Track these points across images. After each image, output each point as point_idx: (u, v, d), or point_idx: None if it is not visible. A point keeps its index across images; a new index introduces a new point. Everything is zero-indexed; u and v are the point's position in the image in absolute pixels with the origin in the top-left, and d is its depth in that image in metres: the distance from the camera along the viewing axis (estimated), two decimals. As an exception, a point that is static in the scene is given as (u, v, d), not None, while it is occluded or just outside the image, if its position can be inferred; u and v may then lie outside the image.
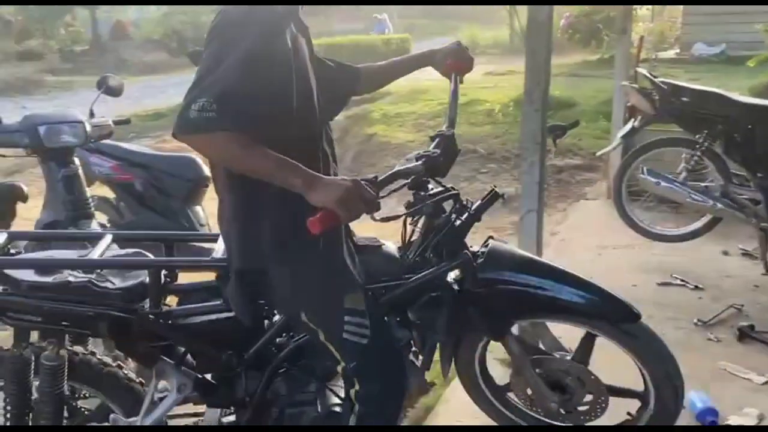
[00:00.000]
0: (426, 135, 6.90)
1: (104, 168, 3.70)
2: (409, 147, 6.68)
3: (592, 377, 1.91)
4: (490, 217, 4.97)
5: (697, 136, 3.64)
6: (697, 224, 3.92)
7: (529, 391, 1.94)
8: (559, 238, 4.33)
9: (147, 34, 22.21)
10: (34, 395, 1.76)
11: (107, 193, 3.84)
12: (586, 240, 4.24)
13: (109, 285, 1.69)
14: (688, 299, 3.34)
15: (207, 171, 3.85)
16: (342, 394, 1.73)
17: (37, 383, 1.75)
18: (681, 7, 12.75)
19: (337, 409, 1.74)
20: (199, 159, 3.89)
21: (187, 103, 1.37)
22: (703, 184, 3.72)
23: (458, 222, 1.73)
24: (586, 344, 1.91)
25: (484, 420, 2.11)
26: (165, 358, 1.77)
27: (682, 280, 3.53)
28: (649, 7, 12.62)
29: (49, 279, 1.66)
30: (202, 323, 1.74)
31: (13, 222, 3.26)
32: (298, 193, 1.39)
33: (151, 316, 1.71)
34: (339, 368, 1.63)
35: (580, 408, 1.93)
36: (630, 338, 1.86)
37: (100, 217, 3.33)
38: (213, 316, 1.74)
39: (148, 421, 1.75)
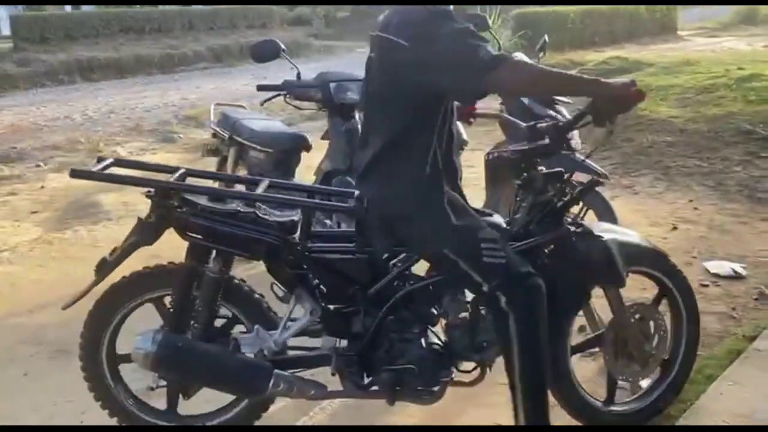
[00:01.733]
0: (692, 111, 6.32)
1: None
2: (672, 123, 6.16)
3: (664, 326, 2.26)
4: (765, 207, 4.43)
5: None
6: None
7: (626, 342, 2.20)
8: None
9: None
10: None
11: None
12: None
13: (268, 218, 1.94)
14: None
15: (464, 135, 3.95)
16: (438, 339, 2.06)
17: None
18: None
19: (436, 347, 2.04)
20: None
21: (472, 57, 1.72)
22: None
23: (560, 203, 2.08)
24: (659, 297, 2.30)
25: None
26: (303, 286, 2.01)
27: None
28: None
29: (221, 206, 1.92)
30: (337, 260, 2.01)
31: (297, 167, 3.68)
32: (437, 148, 1.89)
33: (298, 247, 1.97)
34: (485, 288, 1.88)
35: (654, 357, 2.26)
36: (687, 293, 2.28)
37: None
38: (347, 255, 2.01)
39: (285, 335, 2.02)
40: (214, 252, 1.98)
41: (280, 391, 2.01)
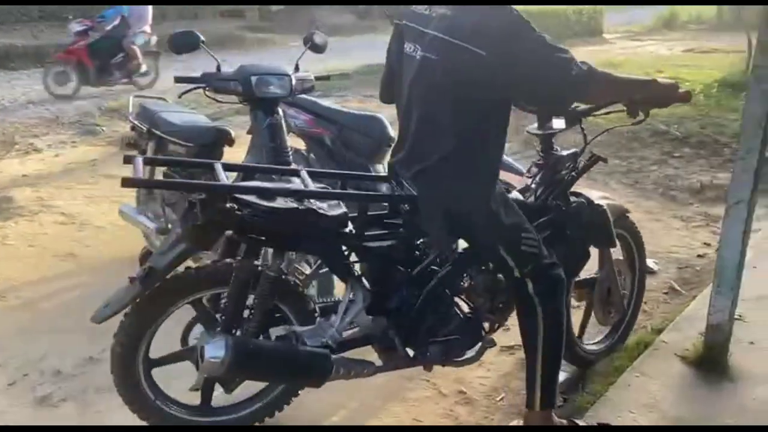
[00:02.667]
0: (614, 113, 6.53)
1: (299, 121, 3.92)
2: (594, 123, 6.34)
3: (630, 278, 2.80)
4: (678, 205, 4.64)
5: None
6: None
7: (609, 291, 2.63)
8: (761, 236, 3.91)
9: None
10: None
11: (299, 144, 4.08)
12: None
13: (325, 212, 1.96)
14: None
15: (392, 131, 3.96)
16: (468, 307, 2.28)
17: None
18: None
19: (469, 314, 2.26)
20: (385, 119, 4.01)
21: (565, 72, 1.82)
22: None
23: (570, 179, 2.36)
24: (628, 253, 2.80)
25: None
26: (355, 275, 2.13)
27: None
28: None
29: (281, 205, 1.92)
30: (386, 247, 2.14)
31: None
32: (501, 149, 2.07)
33: (353, 239, 2.07)
34: (516, 273, 2.06)
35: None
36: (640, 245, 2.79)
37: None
38: (394, 241, 2.14)
39: (344, 323, 2.12)
40: (266, 250, 2.04)
41: (341, 375, 2.10)
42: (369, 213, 2.15)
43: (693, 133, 5.85)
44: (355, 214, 2.08)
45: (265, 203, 1.89)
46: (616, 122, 2.64)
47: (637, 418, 2.26)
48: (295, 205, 1.93)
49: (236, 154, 3.38)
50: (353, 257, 2.14)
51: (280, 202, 1.92)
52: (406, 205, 2.12)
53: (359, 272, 2.16)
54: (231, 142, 3.46)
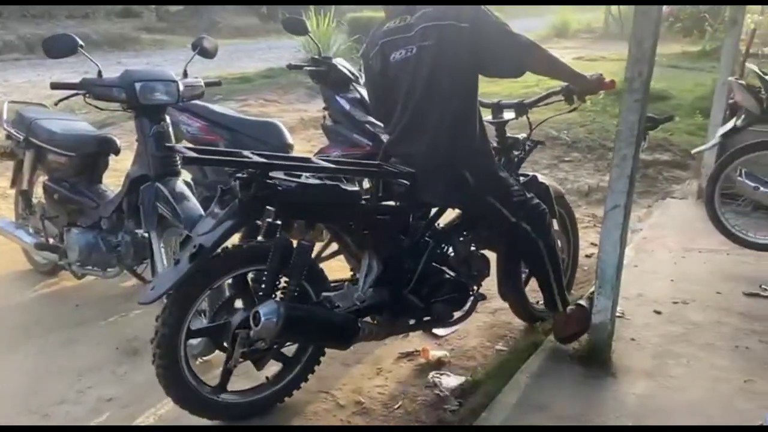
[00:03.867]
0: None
1: (192, 128, 3.79)
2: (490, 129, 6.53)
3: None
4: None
5: (806, 141, 3.40)
6: (795, 235, 3.68)
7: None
8: (641, 236, 4.16)
9: (239, -2, 22.56)
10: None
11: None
12: (670, 240, 4.06)
13: (348, 188, 2.24)
14: (776, 313, 3.15)
15: (289, 137, 3.90)
16: (455, 272, 2.59)
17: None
18: (796, 0, 11.87)
19: (460, 278, 2.59)
20: (282, 125, 3.95)
21: (518, 36, 2.33)
22: (807, 193, 3.49)
23: (518, 159, 2.90)
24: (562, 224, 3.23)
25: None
26: (372, 244, 2.41)
27: (772, 293, 3.33)
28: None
29: (311, 181, 2.18)
30: (392, 219, 2.43)
31: (104, 173, 3.41)
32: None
33: (369, 212, 2.37)
34: (513, 219, 2.50)
35: None
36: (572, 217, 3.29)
37: (185, 176, 3.42)
38: (402, 215, 2.45)
39: (366, 288, 2.40)
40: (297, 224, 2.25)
41: (364, 337, 2.37)
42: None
43: (581, 138, 6.14)
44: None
45: (298, 180, 2.14)
46: (555, 111, 2.99)
47: (529, 418, 2.32)
48: (322, 181, 2.20)
49: (124, 163, 3.22)
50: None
51: (309, 179, 2.18)
52: (406, 181, 2.39)
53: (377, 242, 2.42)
54: (117, 150, 3.29)
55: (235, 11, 20.74)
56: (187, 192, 2.78)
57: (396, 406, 2.53)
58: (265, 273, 2.20)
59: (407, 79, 2.41)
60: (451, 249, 2.61)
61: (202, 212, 2.66)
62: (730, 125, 3.70)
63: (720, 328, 2.97)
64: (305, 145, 6.75)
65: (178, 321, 2.13)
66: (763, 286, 3.39)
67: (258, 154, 2.14)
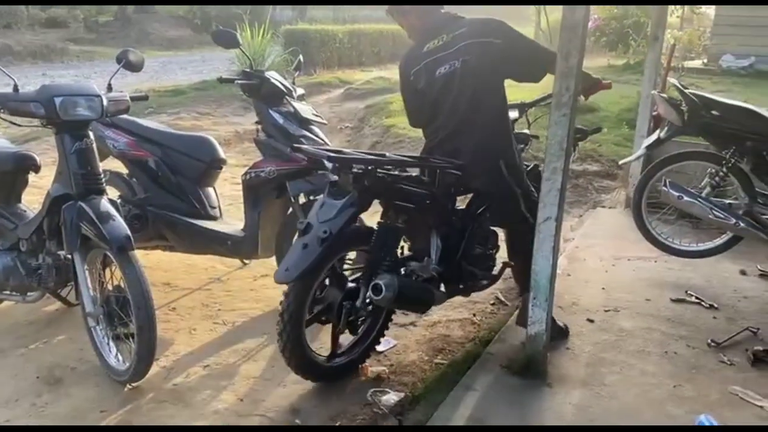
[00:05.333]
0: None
1: (119, 143, 3.66)
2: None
3: None
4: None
5: (724, 152, 3.55)
6: (718, 241, 3.83)
7: None
8: (573, 245, 4.25)
9: (172, 10, 22.14)
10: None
11: (121, 168, 3.80)
12: (601, 249, 4.16)
13: (425, 178, 2.77)
14: (702, 318, 3.26)
15: (222, 153, 3.81)
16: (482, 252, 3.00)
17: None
18: (712, 16, 12.54)
19: (486, 258, 3.02)
20: (214, 140, 3.85)
21: (540, 46, 2.99)
22: (726, 201, 3.63)
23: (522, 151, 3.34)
24: None
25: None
26: (438, 224, 2.79)
27: (698, 298, 3.45)
28: (679, 14, 12.39)
29: (406, 174, 2.67)
30: (450, 202, 2.86)
31: (24, 191, 3.24)
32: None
33: (438, 197, 2.76)
34: (528, 215, 2.80)
35: None
36: None
37: (112, 192, 3.29)
38: (453, 199, 2.87)
39: (436, 258, 2.77)
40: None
41: (435, 302, 2.78)
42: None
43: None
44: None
45: (395, 173, 2.60)
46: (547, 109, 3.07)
47: (467, 432, 2.31)
48: (408, 173, 2.68)
49: (48, 179, 3.06)
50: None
51: (402, 173, 2.65)
52: (458, 171, 2.76)
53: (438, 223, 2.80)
54: (37, 168, 3.14)
55: (170, 23, 20.32)
56: (113, 211, 2.66)
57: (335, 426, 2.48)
58: (369, 252, 2.63)
59: (454, 89, 2.79)
60: (479, 227, 2.95)
61: (128, 232, 2.55)
62: (654, 137, 3.84)
63: (650, 334, 3.06)
64: (240, 158, 6.64)
65: (302, 299, 2.49)
66: (688, 292, 3.51)
67: (363, 152, 2.79)
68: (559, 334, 2.95)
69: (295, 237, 2.57)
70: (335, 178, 2.52)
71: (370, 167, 2.48)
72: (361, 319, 2.72)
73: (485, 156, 2.79)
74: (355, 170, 2.45)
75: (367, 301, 2.62)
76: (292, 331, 2.47)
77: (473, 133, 2.78)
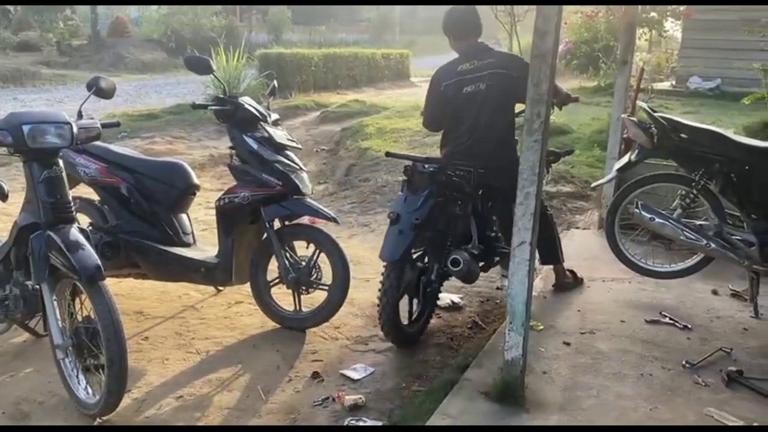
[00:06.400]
0: (420, 152, 6.88)
1: (90, 170, 3.61)
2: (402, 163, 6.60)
3: None
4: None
5: (693, 174, 3.61)
6: (689, 262, 3.88)
7: None
8: (548, 267, 4.27)
9: (146, 33, 22.07)
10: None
11: (92, 195, 3.75)
12: (576, 270, 4.18)
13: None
14: (676, 339, 3.28)
15: (195, 179, 3.78)
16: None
17: None
18: (679, 39, 12.85)
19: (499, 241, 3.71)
20: (188, 166, 3.82)
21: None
22: (697, 223, 3.69)
23: None
24: None
25: None
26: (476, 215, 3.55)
27: (672, 319, 3.48)
28: (647, 37, 12.68)
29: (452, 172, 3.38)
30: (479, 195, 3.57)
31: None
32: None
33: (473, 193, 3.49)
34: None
35: None
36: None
37: (83, 220, 3.24)
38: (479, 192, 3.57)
39: (476, 239, 3.51)
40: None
41: (476, 276, 3.44)
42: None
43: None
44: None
45: (450, 172, 3.33)
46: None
47: (445, 461, 2.29)
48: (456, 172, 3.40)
49: (13, 207, 3.00)
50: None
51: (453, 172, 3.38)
52: (482, 170, 3.44)
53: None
54: (4, 196, 3.07)
55: (144, 47, 20.22)
56: (82, 239, 2.60)
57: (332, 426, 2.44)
58: (439, 234, 3.32)
59: (476, 105, 3.47)
60: (494, 214, 3.63)
61: (98, 262, 2.50)
62: (625, 160, 3.89)
63: (625, 356, 3.07)
64: (215, 182, 6.60)
65: (399, 274, 3.13)
66: (662, 313, 3.54)
67: (429, 157, 3.40)
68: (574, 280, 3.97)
69: (387, 227, 3.19)
70: (404, 178, 3.25)
71: (440, 167, 3.26)
72: (428, 290, 3.32)
73: (501, 158, 3.45)
74: (432, 169, 3.20)
75: (434, 276, 3.30)
76: (389, 302, 3.07)
77: (489, 142, 3.47)
